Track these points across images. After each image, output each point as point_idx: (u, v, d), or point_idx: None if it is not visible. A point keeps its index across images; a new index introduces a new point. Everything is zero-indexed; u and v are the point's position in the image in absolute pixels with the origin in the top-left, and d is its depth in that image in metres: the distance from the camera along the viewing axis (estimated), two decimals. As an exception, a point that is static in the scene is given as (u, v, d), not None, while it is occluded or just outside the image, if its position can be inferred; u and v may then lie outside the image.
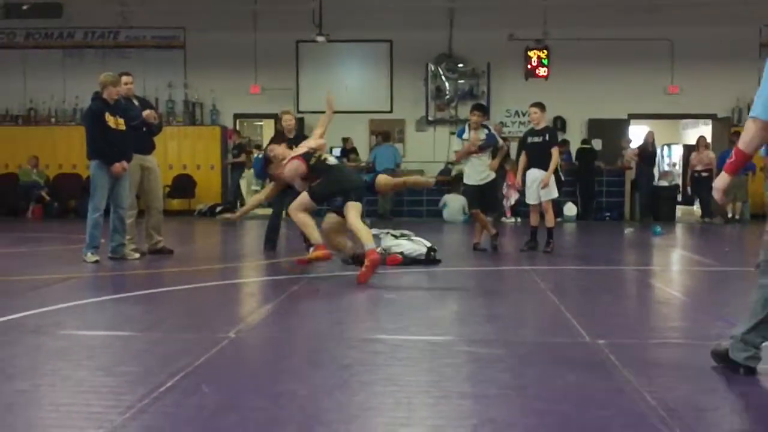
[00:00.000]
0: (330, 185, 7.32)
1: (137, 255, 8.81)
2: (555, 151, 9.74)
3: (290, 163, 7.58)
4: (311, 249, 7.60)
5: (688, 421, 3.11)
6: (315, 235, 7.29)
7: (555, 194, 9.75)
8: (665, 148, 22.49)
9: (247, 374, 3.92)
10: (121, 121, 8.51)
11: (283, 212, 9.25)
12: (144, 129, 8.99)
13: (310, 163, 7.49)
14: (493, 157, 10.03)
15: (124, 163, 8.50)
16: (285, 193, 8.99)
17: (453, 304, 6.28)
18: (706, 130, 19.44)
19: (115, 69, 9.85)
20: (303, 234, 9.18)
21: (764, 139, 3.63)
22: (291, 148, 8.40)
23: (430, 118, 18.28)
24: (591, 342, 4.53)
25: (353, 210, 7.23)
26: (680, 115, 19.58)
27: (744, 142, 3.67)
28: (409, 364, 4.15)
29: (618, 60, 17.80)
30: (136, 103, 9.16)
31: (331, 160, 7.69)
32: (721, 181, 3.82)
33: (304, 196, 7.38)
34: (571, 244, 12.51)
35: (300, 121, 17.87)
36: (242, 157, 17.78)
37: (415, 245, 8.48)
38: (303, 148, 7.78)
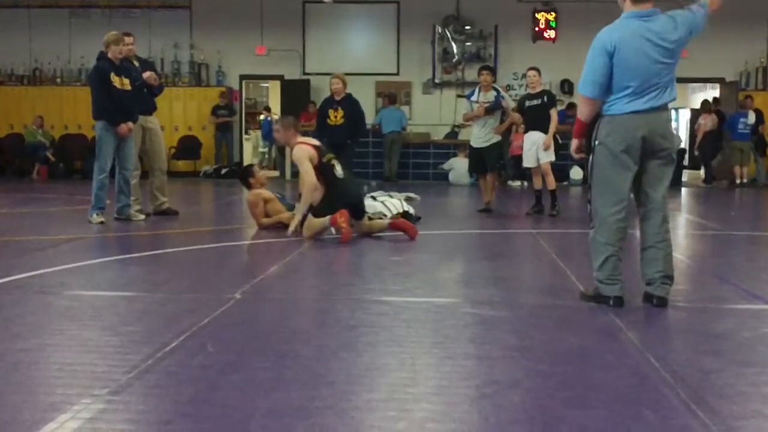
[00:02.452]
0: (334, 199, 7.16)
1: (142, 216, 8.82)
2: (554, 113, 9.71)
3: (303, 147, 7.37)
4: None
5: (692, 383, 3.12)
6: (323, 222, 7.13)
7: (552, 157, 9.71)
8: (673, 112, 22.33)
9: (252, 334, 3.93)
10: (127, 81, 8.47)
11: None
12: (145, 90, 8.95)
13: (323, 160, 7.32)
14: (502, 121, 9.95)
15: (130, 124, 8.46)
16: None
17: (458, 267, 6.29)
18: (714, 94, 19.28)
19: (120, 29, 9.80)
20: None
21: (593, 109, 4.53)
22: (337, 110, 9.60)
23: (436, 81, 18.14)
24: (595, 305, 4.52)
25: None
26: (689, 79, 19.37)
27: (581, 112, 4.61)
28: (413, 326, 4.16)
29: (626, 22, 17.58)
30: (136, 64, 9.10)
31: (338, 172, 7.43)
32: (573, 144, 4.67)
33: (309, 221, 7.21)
34: (577, 207, 12.47)
35: (306, 83, 17.85)
36: (232, 118, 17.90)
37: (386, 207, 8.35)
38: (314, 141, 7.71)
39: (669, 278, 4.52)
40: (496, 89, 9.91)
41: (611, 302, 4.43)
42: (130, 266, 6.08)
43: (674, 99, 4.67)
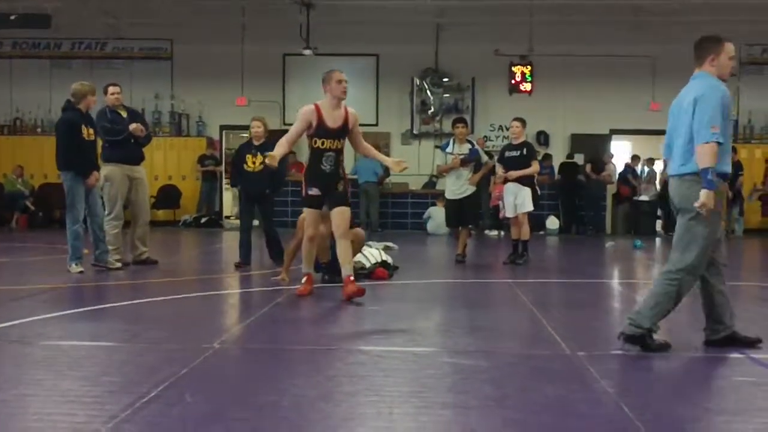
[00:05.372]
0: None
1: (119, 264, 8.80)
2: (535, 163, 9.98)
3: (309, 109, 6.72)
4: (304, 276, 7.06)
5: (664, 432, 3.18)
6: (308, 265, 7.00)
7: (530, 207, 9.86)
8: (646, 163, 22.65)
9: (231, 385, 3.96)
10: (92, 131, 8.54)
11: (252, 226, 9.22)
12: (132, 140, 9.01)
13: (321, 140, 6.67)
14: (476, 171, 10.10)
15: (97, 174, 8.52)
16: (251, 209, 9.03)
17: (436, 316, 6.34)
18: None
19: (102, 79, 9.89)
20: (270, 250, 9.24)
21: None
22: (256, 156, 8.78)
23: (415, 132, 18.37)
24: (571, 354, 4.59)
25: (342, 216, 6.74)
26: (661, 131, 19.65)
27: (711, 161, 4.46)
28: (391, 375, 4.20)
29: (600, 76, 17.98)
30: (124, 114, 9.18)
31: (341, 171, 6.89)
32: (710, 200, 4.48)
33: (308, 214, 6.86)
34: (554, 257, 12.61)
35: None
36: (219, 167, 17.98)
37: (365, 257, 8.42)
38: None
39: (631, 318, 4.71)
40: (470, 142, 10.09)
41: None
42: (109, 316, 6.07)
43: None
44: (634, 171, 18.11)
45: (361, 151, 7.27)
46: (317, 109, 6.69)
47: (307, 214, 6.88)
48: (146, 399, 3.54)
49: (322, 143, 6.70)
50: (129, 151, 8.99)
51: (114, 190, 8.94)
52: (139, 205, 9.30)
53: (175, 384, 3.82)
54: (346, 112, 6.79)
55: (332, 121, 6.70)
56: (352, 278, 6.57)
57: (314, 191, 6.75)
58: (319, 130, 6.66)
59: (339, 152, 6.81)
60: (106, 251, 8.65)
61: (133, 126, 8.96)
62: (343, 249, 6.65)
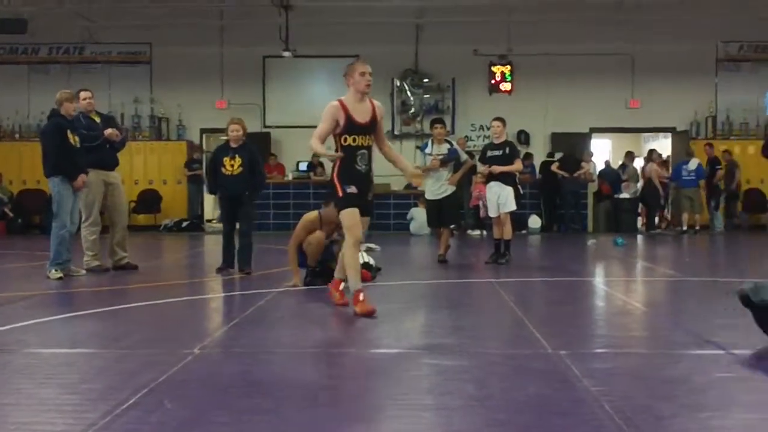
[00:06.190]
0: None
1: (83, 272, 8.74)
2: (518, 161, 10.01)
3: (334, 105, 6.18)
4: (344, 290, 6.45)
5: (645, 429, 3.18)
6: (355, 277, 6.14)
7: (513, 207, 9.89)
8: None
9: (211, 390, 3.92)
10: (77, 137, 8.52)
11: (234, 229, 8.93)
12: (107, 146, 8.97)
13: (353, 137, 6.09)
14: (455, 171, 10.10)
15: (84, 176, 8.49)
16: (232, 213, 8.91)
17: (418, 317, 6.33)
18: (666, 143, 19.77)
19: (80, 84, 9.85)
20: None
21: None
22: (234, 158, 8.61)
23: (396, 133, 18.37)
24: (553, 353, 4.59)
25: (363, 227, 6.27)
26: (640, 129, 19.88)
27: None
28: (374, 377, 4.18)
29: (580, 75, 18.08)
30: (97, 120, 9.13)
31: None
32: None
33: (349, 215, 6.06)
34: (536, 256, 12.64)
35: (267, 136, 17.94)
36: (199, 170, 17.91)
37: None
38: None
39: None
40: (449, 142, 10.10)
41: None
42: (89, 322, 6.02)
43: None
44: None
45: (386, 151, 6.50)
46: (342, 105, 6.12)
47: (348, 213, 6.06)
48: (125, 406, 3.50)
49: (354, 140, 6.07)
50: (104, 156, 8.96)
51: (91, 195, 8.89)
52: (116, 210, 9.24)
53: (155, 390, 3.79)
54: (373, 105, 6.23)
55: (360, 115, 6.12)
56: (362, 296, 6.00)
57: (353, 189, 6.03)
58: (348, 126, 6.06)
59: (371, 149, 6.19)
60: (69, 260, 8.55)
61: (108, 131, 8.94)
62: (352, 258, 6.10)
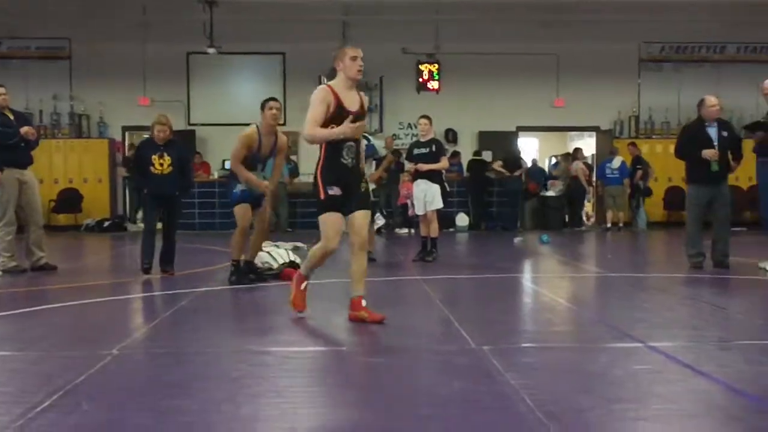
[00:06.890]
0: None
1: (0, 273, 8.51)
2: (444, 159, 10.02)
3: (323, 89, 5.78)
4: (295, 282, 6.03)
5: (565, 421, 3.23)
6: (359, 285, 5.89)
7: (440, 204, 9.94)
8: (553, 159, 23.20)
9: (131, 391, 3.83)
10: None
11: (156, 229, 8.65)
12: (22, 144, 8.71)
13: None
14: (377, 167, 10.10)
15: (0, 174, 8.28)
16: (158, 212, 8.69)
17: (344, 315, 6.30)
18: (591, 142, 20.19)
19: (-3, 80, 9.52)
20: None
21: None
22: (163, 156, 8.40)
23: (323, 131, 18.30)
24: (476, 348, 4.63)
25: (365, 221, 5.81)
26: (566, 128, 20.25)
27: None
28: (297, 375, 4.15)
29: (507, 74, 18.33)
30: (11, 116, 8.85)
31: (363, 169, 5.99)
32: None
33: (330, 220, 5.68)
34: (463, 253, 12.76)
35: (191, 133, 17.67)
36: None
37: (272, 257, 8.41)
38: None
39: None
40: (366, 137, 10.05)
41: None
42: (3, 324, 5.82)
43: None
44: (589, 166, 18.53)
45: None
46: (332, 90, 5.66)
47: (329, 219, 5.63)
48: (40, 408, 3.40)
49: None
50: (19, 154, 8.70)
51: (5, 195, 8.64)
52: (30, 210, 8.98)
53: (72, 392, 3.68)
54: (360, 95, 5.84)
55: (350, 103, 5.65)
56: (363, 303, 5.70)
57: (335, 190, 5.55)
58: (337, 114, 5.54)
59: (358, 143, 5.68)
60: None
61: (25, 129, 8.69)
62: (360, 265, 5.80)
